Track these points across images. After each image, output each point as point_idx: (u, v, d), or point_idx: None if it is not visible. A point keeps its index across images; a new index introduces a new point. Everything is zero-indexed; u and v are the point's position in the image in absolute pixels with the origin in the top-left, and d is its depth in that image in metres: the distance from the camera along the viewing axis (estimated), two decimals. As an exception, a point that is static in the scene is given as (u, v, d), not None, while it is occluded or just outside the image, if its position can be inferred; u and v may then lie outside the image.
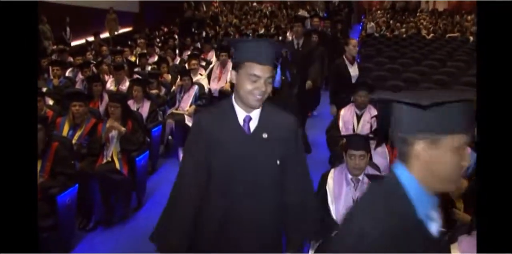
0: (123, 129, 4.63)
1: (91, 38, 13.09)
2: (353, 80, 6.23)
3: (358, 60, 11.08)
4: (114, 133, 4.61)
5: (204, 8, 20.77)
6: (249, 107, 2.16)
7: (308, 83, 6.48)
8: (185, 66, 7.96)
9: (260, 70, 2.07)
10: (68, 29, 13.75)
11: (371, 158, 3.69)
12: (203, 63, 8.86)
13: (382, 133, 3.81)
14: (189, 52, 9.93)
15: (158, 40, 13.72)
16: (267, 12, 20.95)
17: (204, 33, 15.01)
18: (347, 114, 4.95)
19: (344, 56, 6.45)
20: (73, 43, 13.36)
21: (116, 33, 14.92)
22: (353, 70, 6.40)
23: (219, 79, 7.55)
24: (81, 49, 10.62)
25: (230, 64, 7.66)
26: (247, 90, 2.09)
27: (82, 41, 13.00)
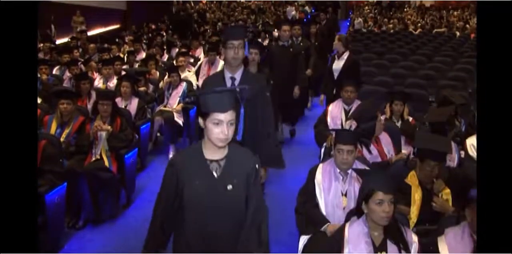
0: (109, 127, 4.61)
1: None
2: (336, 74, 6.28)
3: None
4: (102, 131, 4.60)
5: (192, 5, 20.72)
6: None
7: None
8: (173, 63, 7.95)
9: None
10: (53, 27, 13.60)
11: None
12: (191, 60, 8.84)
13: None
14: (177, 49, 9.92)
15: (145, 37, 13.64)
16: (256, 9, 20.94)
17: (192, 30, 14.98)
18: (335, 110, 4.96)
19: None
20: (58, 41, 13.19)
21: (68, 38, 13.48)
22: (336, 64, 6.41)
23: (207, 76, 7.53)
24: (68, 47, 10.53)
25: (218, 62, 7.65)
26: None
27: (68, 39, 12.85)
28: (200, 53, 9.86)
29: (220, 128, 2.18)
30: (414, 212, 3.22)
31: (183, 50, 9.21)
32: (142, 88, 6.64)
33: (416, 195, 3.26)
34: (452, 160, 3.92)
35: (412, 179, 3.31)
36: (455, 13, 20.44)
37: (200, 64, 7.92)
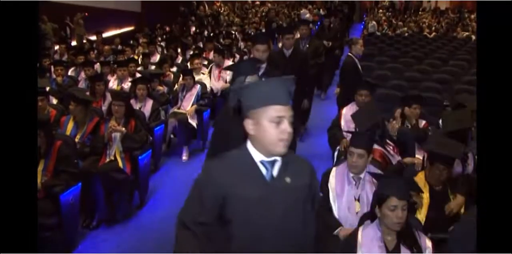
0: (123, 129, 4.65)
1: (92, 37, 13.07)
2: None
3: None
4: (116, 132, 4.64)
5: (206, 7, 20.75)
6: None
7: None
8: (187, 65, 7.97)
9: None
10: (68, 28, 13.71)
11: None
12: (205, 62, 8.85)
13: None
14: (191, 52, 9.95)
15: (160, 39, 13.70)
16: (270, 11, 20.90)
17: (206, 32, 15.02)
18: (348, 114, 4.93)
19: (351, 54, 6.49)
20: (73, 43, 13.29)
21: (84, 40, 13.16)
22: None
23: (219, 78, 7.55)
24: (83, 48, 10.63)
25: (227, 63, 7.68)
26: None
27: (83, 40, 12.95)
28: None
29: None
30: (422, 212, 3.22)
31: (197, 52, 9.24)
32: (160, 88, 6.68)
33: (423, 193, 3.25)
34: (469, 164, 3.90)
35: (418, 178, 3.32)
36: (472, 16, 20.23)
37: (211, 67, 7.92)
